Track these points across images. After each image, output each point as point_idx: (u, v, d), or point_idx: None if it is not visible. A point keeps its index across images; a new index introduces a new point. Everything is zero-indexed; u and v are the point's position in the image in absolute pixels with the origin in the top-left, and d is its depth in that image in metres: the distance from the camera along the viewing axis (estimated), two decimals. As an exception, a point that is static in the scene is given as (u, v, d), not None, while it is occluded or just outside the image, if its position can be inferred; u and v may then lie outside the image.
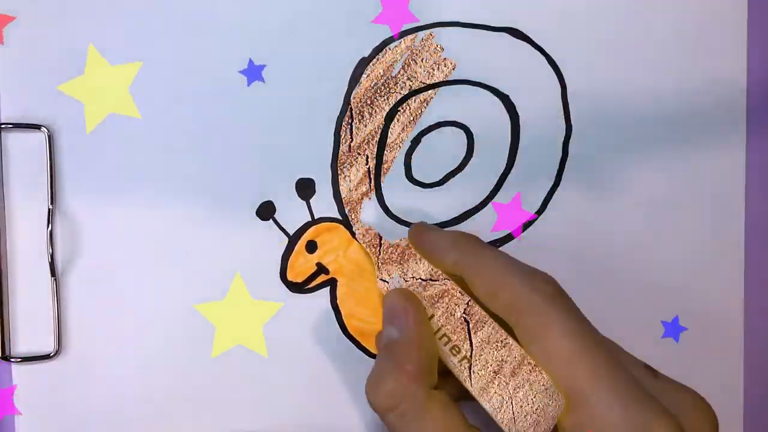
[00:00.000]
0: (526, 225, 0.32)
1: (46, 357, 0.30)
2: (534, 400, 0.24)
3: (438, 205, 0.32)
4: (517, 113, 0.32)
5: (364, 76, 0.31)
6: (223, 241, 0.31)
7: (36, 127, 0.30)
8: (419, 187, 0.32)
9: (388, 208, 0.32)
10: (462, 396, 0.26)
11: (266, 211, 0.31)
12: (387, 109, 0.31)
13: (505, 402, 0.25)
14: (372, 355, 0.32)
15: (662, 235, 0.32)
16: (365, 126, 0.31)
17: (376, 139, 0.31)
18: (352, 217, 0.32)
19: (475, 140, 0.32)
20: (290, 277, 0.32)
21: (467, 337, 0.26)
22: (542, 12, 0.31)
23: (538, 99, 0.32)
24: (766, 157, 0.33)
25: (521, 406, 0.24)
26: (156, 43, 0.30)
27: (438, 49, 0.31)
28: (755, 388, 0.33)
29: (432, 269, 0.27)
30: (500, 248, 0.32)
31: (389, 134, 0.31)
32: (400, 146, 0.32)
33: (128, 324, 0.31)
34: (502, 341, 0.25)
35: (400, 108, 0.31)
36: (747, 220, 0.33)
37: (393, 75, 0.31)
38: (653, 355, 0.33)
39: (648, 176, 0.33)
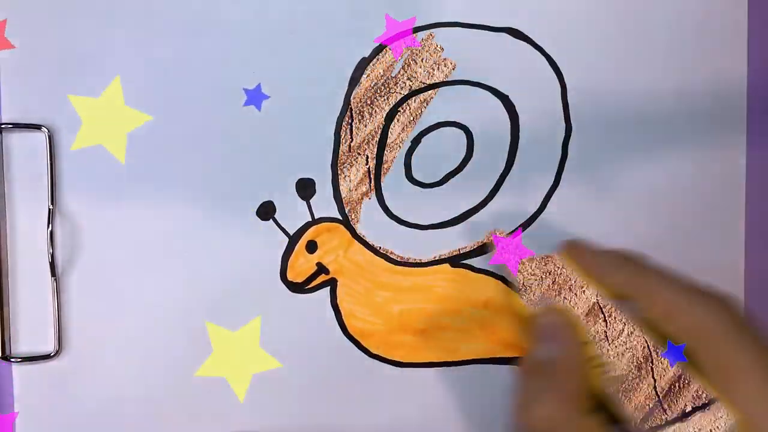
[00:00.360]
0: (526, 225, 0.32)
1: (46, 357, 0.30)
2: (650, 416, 0.22)
3: (438, 205, 0.32)
4: (517, 113, 0.32)
5: (364, 76, 0.31)
6: (223, 241, 0.31)
7: (36, 127, 0.30)
8: (419, 187, 0.32)
9: (388, 208, 0.32)
10: (615, 421, 0.25)
11: (266, 211, 0.31)
12: (387, 109, 0.31)
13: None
14: (372, 355, 0.32)
15: (662, 235, 0.32)
16: (365, 126, 0.31)
17: (376, 139, 0.31)
18: (352, 217, 0.32)
19: (475, 140, 0.32)
20: (290, 277, 0.32)
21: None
22: (542, 12, 0.31)
23: (538, 99, 0.32)
24: (766, 157, 0.33)
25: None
26: (156, 49, 0.30)
27: (438, 49, 0.31)
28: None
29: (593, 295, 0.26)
30: (484, 256, 0.32)
31: (389, 134, 0.31)
32: (400, 146, 0.32)
33: (128, 324, 0.31)
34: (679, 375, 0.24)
35: (400, 108, 0.31)
36: (747, 220, 0.33)
37: (393, 75, 0.31)
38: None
39: (648, 176, 0.33)
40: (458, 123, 0.32)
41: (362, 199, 0.32)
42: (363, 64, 0.31)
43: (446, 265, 0.32)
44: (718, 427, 0.22)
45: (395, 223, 0.32)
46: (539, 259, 0.27)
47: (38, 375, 0.31)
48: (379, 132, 0.31)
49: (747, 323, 0.23)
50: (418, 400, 0.32)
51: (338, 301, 0.32)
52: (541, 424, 0.23)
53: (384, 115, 0.31)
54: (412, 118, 0.31)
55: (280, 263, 0.31)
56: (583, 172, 0.32)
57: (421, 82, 0.31)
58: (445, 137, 0.32)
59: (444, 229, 0.32)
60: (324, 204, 0.31)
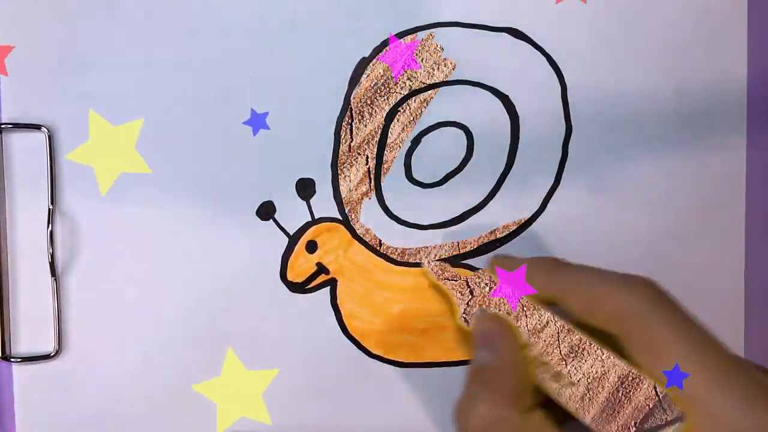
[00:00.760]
0: (526, 225, 0.32)
1: (46, 357, 0.30)
2: (650, 417, 0.23)
3: (438, 205, 0.32)
4: (517, 113, 0.32)
5: (364, 76, 0.31)
6: (223, 241, 0.31)
7: (36, 127, 0.30)
8: (419, 187, 0.32)
9: (388, 208, 0.32)
10: (565, 418, 0.25)
11: (266, 211, 0.31)
12: (387, 109, 0.31)
13: (617, 421, 0.23)
14: (372, 355, 0.32)
15: (662, 235, 0.32)
16: (365, 126, 0.31)
17: (376, 139, 0.31)
18: (352, 217, 0.32)
19: (475, 140, 0.32)
20: (290, 277, 0.32)
21: (565, 361, 0.25)
22: (542, 12, 0.31)
23: (538, 99, 0.32)
24: (766, 157, 0.33)
25: (636, 425, 0.23)
26: (156, 49, 0.30)
27: (438, 49, 0.31)
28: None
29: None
30: (484, 256, 0.32)
31: (389, 134, 0.31)
32: (400, 146, 0.32)
33: (128, 324, 0.31)
34: (604, 360, 0.24)
35: (400, 108, 0.31)
36: (747, 220, 0.33)
37: (393, 75, 0.31)
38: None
39: (648, 176, 0.33)
40: (458, 123, 0.32)
41: (362, 199, 0.32)
42: (363, 64, 0.31)
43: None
44: None
45: (395, 223, 0.32)
46: (473, 276, 0.28)
47: (38, 375, 0.31)
48: (379, 132, 0.31)
49: (667, 299, 0.23)
50: (418, 400, 0.32)
51: (338, 301, 0.32)
52: (478, 424, 0.24)
53: (384, 115, 0.31)
54: (412, 118, 0.31)
55: (280, 263, 0.31)
56: (582, 172, 0.32)
57: (421, 82, 0.31)
58: (445, 137, 0.32)
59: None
60: (324, 204, 0.31)
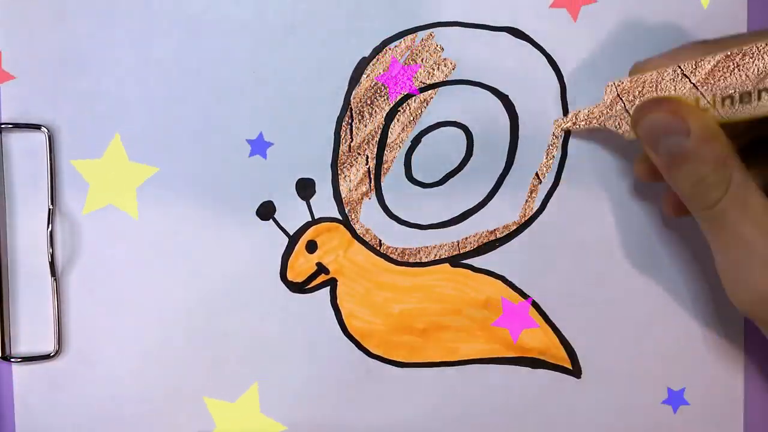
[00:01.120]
0: (526, 224, 0.32)
1: (46, 357, 0.30)
2: None
3: (438, 205, 0.32)
4: (516, 113, 0.32)
5: (364, 76, 0.31)
6: (223, 241, 0.31)
7: (36, 127, 0.30)
8: (419, 187, 0.32)
9: (388, 208, 0.32)
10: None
11: (266, 211, 0.31)
12: (387, 109, 0.31)
13: None
14: (372, 355, 0.32)
15: (663, 236, 0.32)
16: (365, 126, 0.31)
17: (376, 139, 0.31)
18: (352, 217, 0.32)
19: (475, 140, 0.32)
20: (290, 277, 0.32)
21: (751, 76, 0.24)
22: (542, 12, 0.31)
23: (538, 99, 0.32)
24: (766, 157, 0.33)
25: None
26: (156, 49, 0.30)
27: (438, 49, 0.31)
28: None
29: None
30: (484, 255, 0.32)
31: (389, 134, 0.31)
32: (400, 146, 0.32)
33: (128, 324, 0.31)
34: None
35: (400, 108, 0.31)
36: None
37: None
38: (659, 346, 0.33)
39: (648, 176, 0.33)
40: (458, 123, 0.32)
41: (362, 199, 0.32)
42: (363, 64, 0.31)
43: (446, 265, 0.32)
44: None
45: (395, 223, 0.32)
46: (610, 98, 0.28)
47: (38, 375, 0.31)
48: (379, 132, 0.31)
49: None
50: (418, 400, 0.32)
51: (338, 301, 0.32)
52: (715, 192, 0.24)
53: (384, 115, 0.31)
54: (412, 118, 0.31)
55: (280, 263, 0.31)
56: (582, 172, 0.32)
57: (421, 82, 0.31)
58: (445, 137, 0.32)
59: (444, 229, 0.32)
60: (324, 204, 0.31)
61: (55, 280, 0.30)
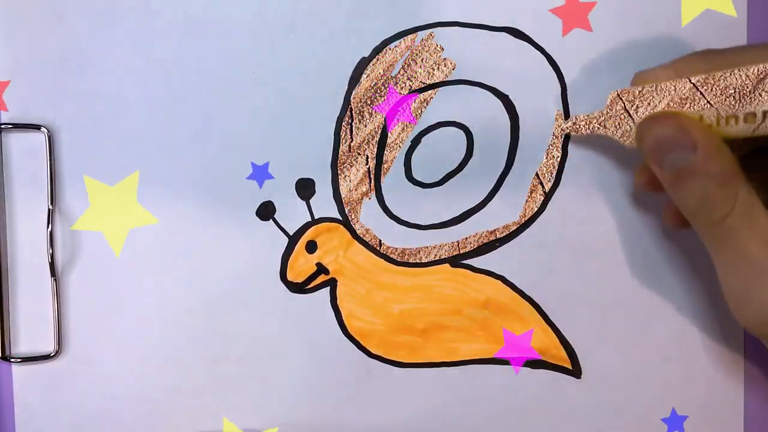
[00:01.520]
0: (526, 224, 0.32)
1: (46, 357, 0.30)
2: None
3: (438, 205, 0.32)
4: (516, 113, 0.32)
5: (364, 76, 0.31)
6: (223, 241, 0.31)
7: (36, 127, 0.30)
8: (419, 187, 0.32)
9: (388, 208, 0.32)
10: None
11: (266, 211, 0.31)
12: (387, 109, 0.31)
13: None
14: (372, 355, 0.32)
15: (663, 236, 0.32)
16: (365, 126, 0.31)
17: (376, 139, 0.31)
18: (352, 217, 0.32)
19: (475, 140, 0.32)
20: (290, 277, 0.32)
21: (752, 97, 0.24)
22: (542, 12, 0.31)
23: (538, 99, 0.32)
24: (766, 157, 0.33)
25: None
26: (156, 49, 0.30)
27: (438, 49, 0.31)
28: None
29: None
30: (484, 255, 0.32)
31: (389, 134, 0.31)
32: (400, 146, 0.32)
33: (128, 324, 0.31)
34: None
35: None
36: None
37: (393, 75, 0.31)
38: (659, 346, 0.33)
39: (648, 176, 0.33)
40: (458, 123, 0.32)
41: (362, 199, 0.32)
42: (363, 64, 0.31)
43: (446, 265, 0.32)
44: None
45: (395, 223, 0.32)
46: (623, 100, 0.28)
47: (38, 375, 0.31)
48: (379, 132, 0.31)
49: None
50: (418, 400, 0.32)
51: (338, 302, 0.32)
52: (722, 208, 0.24)
53: (384, 115, 0.31)
54: (411, 118, 0.31)
55: (280, 263, 0.31)
56: (583, 172, 0.32)
57: (421, 82, 0.31)
58: (445, 137, 0.32)
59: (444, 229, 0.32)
60: (324, 204, 0.31)
61: (55, 280, 0.30)
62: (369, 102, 0.31)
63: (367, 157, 0.31)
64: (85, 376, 0.31)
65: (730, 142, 0.25)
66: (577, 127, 0.30)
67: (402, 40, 0.31)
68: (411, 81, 0.31)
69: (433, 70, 0.31)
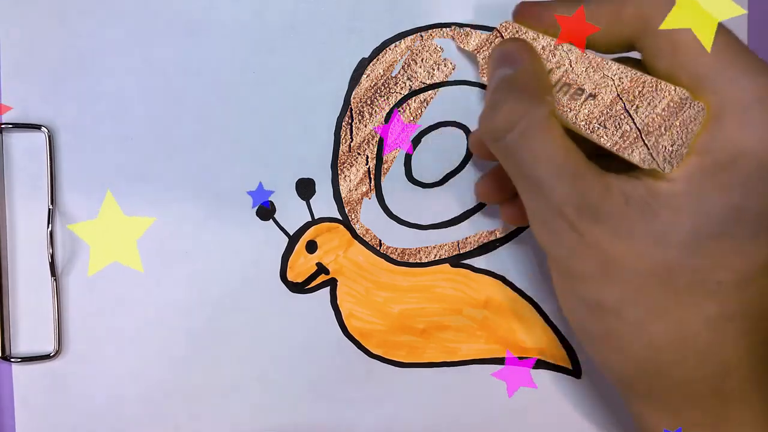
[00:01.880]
0: (525, 226, 0.32)
1: (46, 357, 0.30)
2: (671, 118, 0.22)
3: (438, 205, 0.32)
4: (517, 113, 0.32)
5: (364, 76, 0.31)
6: (223, 241, 0.31)
7: (36, 127, 0.30)
8: (419, 187, 0.32)
9: (388, 208, 0.32)
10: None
11: (266, 211, 0.31)
12: (387, 109, 0.31)
13: (642, 132, 0.23)
14: (372, 355, 0.32)
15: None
16: (365, 126, 0.31)
17: (376, 139, 0.31)
18: (352, 217, 0.32)
19: (475, 140, 0.32)
20: (290, 277, 0.32)
21: (588, 76, 0.25)
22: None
23: (538, 99, 0.32)
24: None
25: (660, 129, 0.23)
26: (156, 49, 0.30)
27: (438, 49, 0.31)
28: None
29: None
30: (484, 255, 0.32)
31: (389, 134, 0.31)
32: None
33: (128, 324, 0.31)
34: (620, 72, 0.24)
35: (400, 108, 0.31)
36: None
37: (393, 75, 0.31)
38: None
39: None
40: (458, 123, 0.32)
41: (362, 199, 0.32)
42: (363, 64, 0.31)
43: (446, 265, 0.32)
44: None
45: (395, 223, 0.32)
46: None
47: (38, 375, 0.31)
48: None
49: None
50: (418, 400, 0.32)
51: (338, 301, 0.32)
52: (505, 118, 0.23)
53: (384, 115, 0.31)
54: (412, 118, 0.31)
55: (280, 263, 0.31)
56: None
57: (421, 82, 0.31)
58: (445, 137, 0.32)
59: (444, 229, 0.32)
60: (324, 204, 0.31)
61: (55, 280, 0.30)
62: (369, 102, 0.31)
63: (367, 157, 0.31)
64: (85, 376, 0.31)
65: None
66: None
67: (402, 40, 0.31)
68: (411, 81, 0.31)
69: (433, 70, 0.31)
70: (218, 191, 0.31)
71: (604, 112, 0.24)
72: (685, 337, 0.22)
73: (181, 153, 0.31)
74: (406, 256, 0.32)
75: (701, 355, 0.22)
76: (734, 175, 0.21)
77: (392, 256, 0.32)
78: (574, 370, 0.33)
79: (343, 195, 0.32)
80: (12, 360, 0.30)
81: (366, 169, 0.32)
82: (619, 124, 0.24)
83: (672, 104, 0.23)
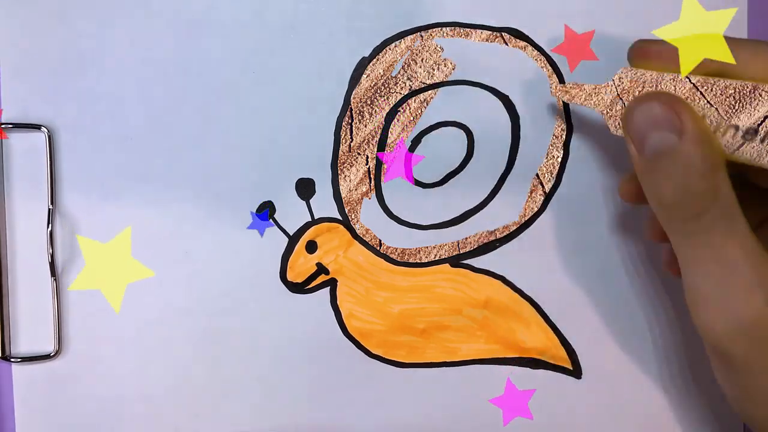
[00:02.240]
0: (526, 225, 0.32)
1: (46, 357, 0.30)
2: None
3: (438, 205, 0.32)
4: (517, 113, 0.32)
5: (364, 76, 0.31)
6: (223, 241, 0.31)
7: (36, 127, 0.30)
8: (419, 187, 0.32)
9: (388, 208, 0.32)
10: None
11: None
12: (387, 109, 0.31)
13: None
14: (372, 355, 0.32)
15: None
16: (365, 126, 0.31)
17: (376, 139, 0.31)
18: (352, 217, 0.32)
19: (475, 140, 0.32)
20: (290, 277, 0.32)
21: (752, 97, 0.23)
22: (542, 12, 0.31)
23: (538, 99, 0.32)
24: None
25: None
26: (156, 49, 0.30)
27: (438, 49, 0.31)
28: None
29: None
30: (484, 255, 0.32)
31: (389, 134, 0.31)
32: (400, 146, 0.32)
33: (128, 324, 0.31)
34: None
35: (400, 108, 0.31)
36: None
37: (393, 75, 0.31)
38: (659, 346, 0.33)
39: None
40: (458, 123, 0.32)
41: (362, 199, 0.32)
42: (363, 64, 0.31)
43: (446, 265, 0.32)
44: None
45: (395, 223, 0.32)
46: (609, 85, 0.27)
47: (38, 375, 0.31)
48: (379, 132, 0.31)
49: None
50: (418, 400, 0.32)
51: (338, 302, 0.32)
52: (694, 197, 0.22)
53: (384, 115, 0.31)
54: (412, 118, 0.31)
55: (280, 263, 0.31)
56: (583, 173, 0.32)
57: (421, 82, 0.31)
58: (445, 137, 0.32)
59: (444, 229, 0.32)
60: (324, 204, 0.31)
61: (55, 280, 0.30)
62: (369, 102, 0.31)
63: (367, 157, 0.31)
64: (85, 376, 0.31)
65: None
66: (571, 95, 0.29)
67: (402, 40, 0.31)
68: (411, 81, 0.31)
69: (433, 70, 0.31)
70: (218, 191, 0.31)
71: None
72: None
73: (181, 153, 0.31)
74: (406, 256, 0.32)
75: None
76: None
77: (392, 256, 0.32)
78: (574, 370, 0.33)
79: (343, 195, 0.32)
80: (12, 360, 0.30)
81: (366, 169, 0.32)
82: None
83: None
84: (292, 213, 0.31)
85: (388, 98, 0.31)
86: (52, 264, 0.30)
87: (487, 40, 0.31)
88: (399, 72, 0.31)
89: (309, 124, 0.31)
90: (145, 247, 0.31)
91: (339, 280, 0.32)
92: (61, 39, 0.30)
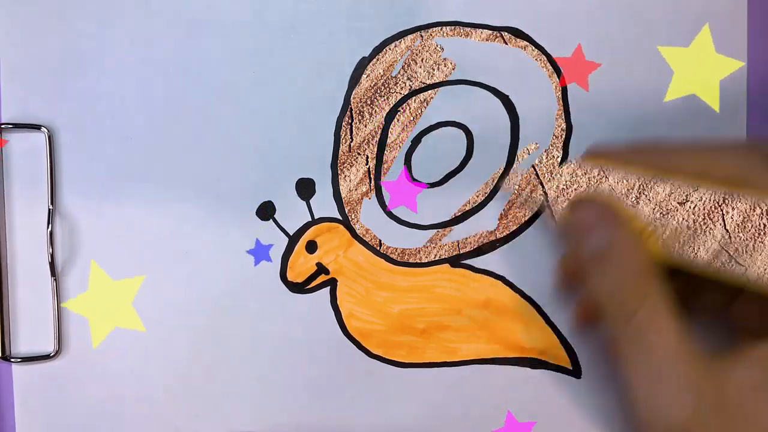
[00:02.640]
0: (526, 225, 0.32)
1: (46, 357, 0.30)
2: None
3: (438, 205, 0.32)
4: (516, 113, 0.32)
5: (364, 76, 0.31)
6: (223, 241, 0.31)
7: (36, 127, 0.30)
8: (419, 188, 0.32)
9: (388, 207, 0.32)
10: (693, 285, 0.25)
11: (266, 211, 0.31)
12: (387, 109, 0.31)
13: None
14: (372, 355, 0.32)
15: (662, 235, 0.32)
16: (365, 126, 0.31)
17: (376, 139, 0.31)
18: (352, 217, 0.32)
19: (475, 140, 0.32)
20: (290, 277, 0.32)
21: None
22: (542, 12, 0.31)
23: (538, 99, 0.32)
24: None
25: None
26: (156, 49, 0.30)
27: (438, 49, 0.31)
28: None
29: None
30: (484, 256, 0.32)
31: (389, 134, 0.31)
32: (400, 146, 0.32)
33: (128, 324, 0.31)
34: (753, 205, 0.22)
35: (400, 108, 0.31)
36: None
37: (393, 75, 0.31)
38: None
39: (648, 176, 0.33)
40: (458, 123, 0.32)
41: (362, 199, 0.32)
42: (363, 64, 0.31)
43: (446, 265, 0.32)
44: None
45: (395, 223, 0.32)
46: (564, 173, 0.27)
47: (38, 375, 0.31)
48: (379, 132, 0.31)
49: None
50: (418, 400, 0.32)
51: (338, 302, 0.32)
52: (629, 300, 0.23)
53: (384, 115, 0.31)
54: (412, 118, 0.31)
55: (280, 263, 0.31)
56: (583, 172, 0.32)
57: (421, 82, 0.31)
58: (445, 137, 0.32)
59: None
60: (324, 204, 0.31)
61: (55, 280, 0.30)
62: (369, 102, 0.31)
63: (367, 157, 0.31)
64: (85, 376, 0.31)
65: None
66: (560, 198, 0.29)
67: (402, 39, 0.31)
68: (411, 81, 0.31)
69: (433, 70, 0.31)
70: (218, 191, 0.31)
71: (725, 242, 0.23)
72: None
73: (181, 153, 0.31)
74: (406, 256, 0.32)
75: None
76: None
77: (392, 256, 0.32)
78: (574, 370, 0.33)
79: (343, 195, 0.32)
80: (12, 360, 0.30)
81: (366, 169, 0.32)
82: (754, 249, 0.22)
83: None
84: (292, 213, 0.31)
85: (388, 98, 0.31)
86: (52, 264, 0.30)
87: (487, 40, 0.31)
88: (399, 72, 0.31)
89: (309, 124, 0.31)
90: (145, 247, 0.31)
91: (339, 280, 0.32)
92: (61, 39, 0.30)
